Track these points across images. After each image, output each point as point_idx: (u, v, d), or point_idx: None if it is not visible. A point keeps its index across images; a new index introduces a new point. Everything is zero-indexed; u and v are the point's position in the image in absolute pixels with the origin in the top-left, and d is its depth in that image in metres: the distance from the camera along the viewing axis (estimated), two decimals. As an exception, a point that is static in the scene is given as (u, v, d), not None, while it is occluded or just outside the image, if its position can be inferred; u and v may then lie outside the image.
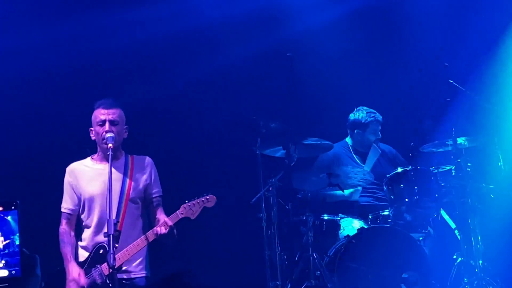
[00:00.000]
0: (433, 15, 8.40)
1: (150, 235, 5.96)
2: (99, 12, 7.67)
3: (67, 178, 6.21)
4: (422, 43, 8.41)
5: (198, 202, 6.05)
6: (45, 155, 7.53)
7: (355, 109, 7.86)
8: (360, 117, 7.78)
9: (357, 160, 7.78)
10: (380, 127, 7.82)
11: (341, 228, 7.25)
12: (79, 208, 6.16)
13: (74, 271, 5.97)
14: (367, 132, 7.79)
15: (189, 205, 6.02)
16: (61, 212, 6.20)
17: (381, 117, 7.79)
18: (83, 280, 5.91)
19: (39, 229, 7.14)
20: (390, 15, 8.42)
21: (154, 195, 6.22)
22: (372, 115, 7.76)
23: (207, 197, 6.10)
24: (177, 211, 6.01)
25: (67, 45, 7.65)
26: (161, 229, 5.91)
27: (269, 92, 8.20)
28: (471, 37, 8.26)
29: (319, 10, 8.31)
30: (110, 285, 5.77)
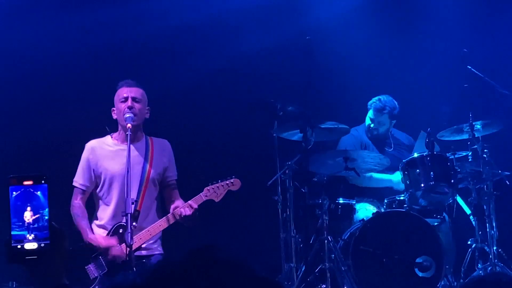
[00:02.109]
0: (453, 2, 8.32)
1: (173, 216, 5.99)
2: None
3: (86, 155, 6.22)
4: (441, 29, 8.34)
5: (222, 185, 6.09)
6: (73, 131, 7.68)
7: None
8: (369, 101, 7.72)
9: (372, 144, 7.76)
10: (380, 117, 7.62)
11: (356, 211, 7.29)
12: (93, 186, 6.20)
13: (104, 239, 5.97)
14: (367, 116, 7.71)
15: (213, 188, 6.07)
16: (74, 187, 6.20)
17: (385, 107, 7.57)
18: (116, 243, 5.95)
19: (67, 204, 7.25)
20: (410, 1, 8.36)
21: (171, 178, 6.27)
22: (375, 101, 7.62)
23: (232, 180, 6.12)
24: (200, 193, 6.03)
25: (92, 30, 7.87)
26: (185, 211, 5.93)
27: (287, 75, 8.20)
28: (492, 23, 8.17)
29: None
30: (129, 262, 5.74)
